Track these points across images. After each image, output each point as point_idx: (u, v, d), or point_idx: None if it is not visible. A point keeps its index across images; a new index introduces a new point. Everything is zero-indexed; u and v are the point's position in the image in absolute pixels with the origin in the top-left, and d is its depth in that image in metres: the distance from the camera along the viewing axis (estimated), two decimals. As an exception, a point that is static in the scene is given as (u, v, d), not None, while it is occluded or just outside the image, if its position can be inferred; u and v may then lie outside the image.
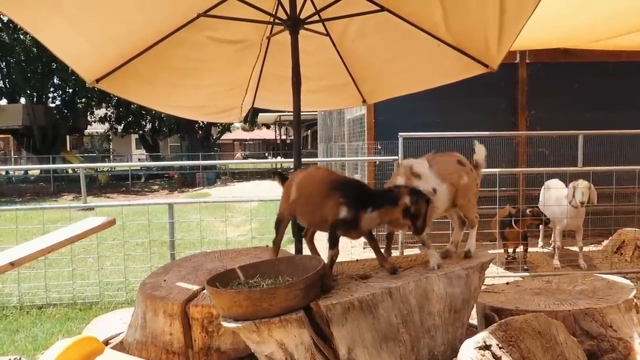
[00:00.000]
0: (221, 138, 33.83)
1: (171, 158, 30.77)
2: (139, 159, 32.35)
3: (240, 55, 3.74)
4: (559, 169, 5.63)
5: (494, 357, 1.72)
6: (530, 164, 7.28)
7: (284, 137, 32.93)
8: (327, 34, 3.68)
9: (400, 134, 5.31)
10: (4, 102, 25.06)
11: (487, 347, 1.75)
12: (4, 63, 24.30)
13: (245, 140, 47.77)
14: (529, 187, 7.09)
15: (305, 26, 3.17)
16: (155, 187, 22.11)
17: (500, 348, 1.77)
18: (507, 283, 3.29)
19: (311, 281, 1.96)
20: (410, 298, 2.08)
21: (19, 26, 22.11)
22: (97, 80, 3.40)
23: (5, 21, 22.08)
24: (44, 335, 4.29)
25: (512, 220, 5.25)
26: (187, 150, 25.92)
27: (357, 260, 2.85)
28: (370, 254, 2.47)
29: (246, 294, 1.95)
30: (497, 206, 5.34)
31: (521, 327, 1.90)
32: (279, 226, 2.48)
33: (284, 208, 2.45)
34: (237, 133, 44.13)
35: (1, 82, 25.19)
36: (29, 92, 23.93)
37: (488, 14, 2.87)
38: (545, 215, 5.28)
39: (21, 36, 23.29)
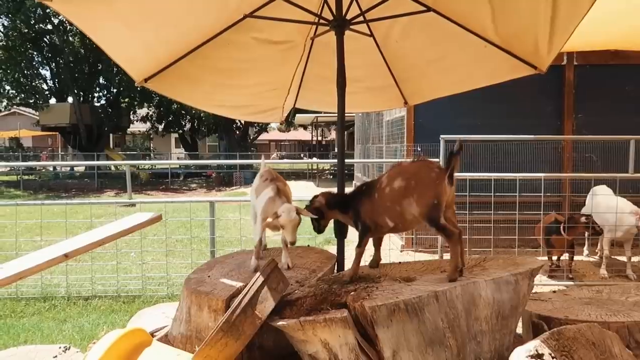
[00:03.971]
0: (258, 138, 34.23)
1: (209, 157, 31.37)
2: (178, 158, 33.13)
3: (284, 55, 3.76)
4: (610, 175, 5.41)
5: (546, 367, 1.67)
6: (576, 170, 7.04)
7: (319, 138, 33.02)
8: (371, 35, 3.67)
9: (442, 136, 5.24)
10: (53, 101, 26.14)
11: (539, 355, 1.69)
12: (53, 64, 25.35)
13: (281, 140, 48.20)
14: (574, 194, 6.86)
15: (350, 27, 3.17)
16: (194, 185, 22.59)
17: (552, 357, 1.71)
18: (554, 291, 3.19)
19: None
20: (457, 303, 2.04)
21: (68, 28, 23.08)
22: (146, 80, 3.48)
23: (56, 23, 23.06)
24: (90, 326, 4.45)
25: (561, 227, 5.08)
26: (225, 149, 26.37)
27: (400, 263, 2.83)
28: (410, 257, 2.46)
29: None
30: (541, 212, 5.19)
31: (574, 336, 1.83)
32: None
33: None
34: (274, 134, 44.58)
35: (51, 82, 26.28)
36: (76, 91, 24.88)
37: (539, 14, 2.79)
38: (598, 225, 5.09)
39: (70, 38, 24.26)
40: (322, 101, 4.39)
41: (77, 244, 2.69)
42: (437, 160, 5.27)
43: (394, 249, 6.96)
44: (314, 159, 18.41)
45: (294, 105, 4.33)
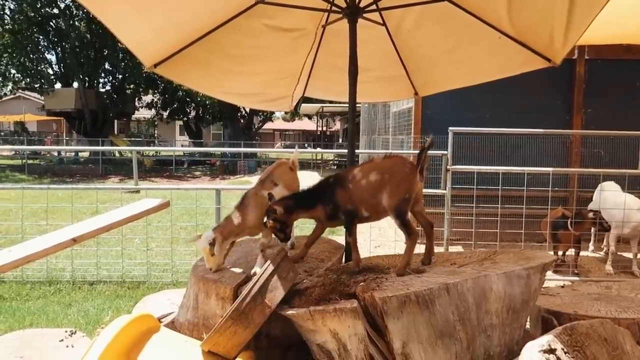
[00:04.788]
0: (262, 128, 34.17)
1: (213, 146, 31.34)
2: (182, 145, 33.13)
3: (295, 43, 3.73)
4: (618, 171, 5.37)
5: (558, 362, 1.65)
6: (584, 165, 6.99)
7: (324, 128, 32.94)
8: (384, 24, 3.62)
9: (450, 128, 5.19)
10: (58, 86, 26.11)
11: (552, 350, 1.68)
12: (59, 48, 25.28)
13: (286, 130, 48.09)
14: (581, 189, 6.82)
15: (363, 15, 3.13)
16: (198, 173, 22.60)
17: (565, 353, 1.69)
18: (563, 286, 3.17)
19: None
20: (468, 295, 2.03)
21: (75, 13, 22.96)
22: (155, 65, 3.46)
23: (62, 8, 22.97)
24: (95, 311, 4.46)
25: (568, 222, 5.05)
26: (229, 138, 26.34)
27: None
28: (415, 249, 2.48)
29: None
30: (548, 207, 5.16)
31: (587, 332, 1.82)
32: None
33: None
34: (278, 123, 44.50)
35: (56, 66, 26.24)
36: (81, 77, 24.84)
37: (556, 6, 2.74)
38: (606, 221, 5.05)
39: (76, 23, 24.18)
40: (331, 90, 4.35)
41: (86, 228, 2.68)
42: (445, 152, 5.25)
43: (398, 240, 6.96)
44: (318, 149, 18.35)
45: (304, 94, 4.29)
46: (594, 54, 7.04)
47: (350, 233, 2.56)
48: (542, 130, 6.19)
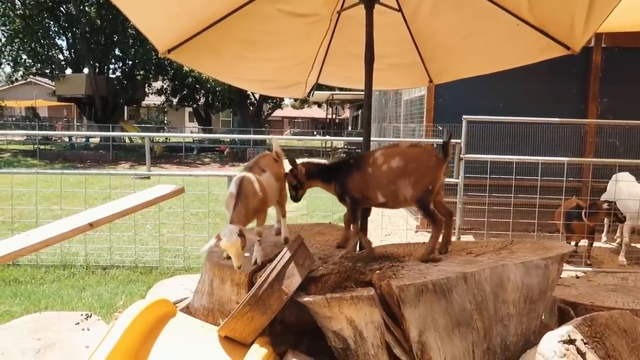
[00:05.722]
0: (271, 115, 34.13)
1: (223, 132, 31.35)
2: (191, 132, 33.18)
3: (309, 29, 3.68)
4: (634, 162, 5.29)
5: (578, 353, 1.64)
6: (598, 155, 6.90)
7: (333, 116, 32.82)
8: (400, 10, 3.57)
9: (464, 116, 5.14)
10: (69, 71, 26.17)
11: (571, 341, 1.67)
12: (70, 34, 25.30)
13: (295, 118, 47.98)
14: (595, 179, 6.75)
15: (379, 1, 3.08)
16: (207, 160, 22.67)
17: (585, 344, 1.68)
18: (578, 277, 3.15)
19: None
20: (485, 285, 2.02)
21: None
22: (169, 51, 3.44)
23: (72, -7, 22.94)
24: (109, 295, 4.51)
25: (583, 213, 5.00)
26: (239, 125, 26.34)
27: (424, 243, 2.80)
28: (425, 237, 2.49)
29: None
30: (562, 197, 5.11)
31: (606, 323, 1.80)
32: None
33: None
34: (287, 110, 44.35)
35: (67, 52, 26.27)
36: (92, 62, 24.88)
37: (578, -8, 2.68)
38: (621, 212, 5.00)
39: (86, 8, 24.15)
40: (345, 77, 4.31)
41: (102, 213, 2.69)
42: (458, 141, 5.21)
43: (409, 229, 6.95)
44: (327, 137, 18.29)
45: (317, 80, 4.26)
46: (611, 41, 6.91)
47: (354, 219, 2.62)
48: (557, 119, 6.11)
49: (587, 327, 1.75)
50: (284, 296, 1.98)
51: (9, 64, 24.60)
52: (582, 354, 1.66)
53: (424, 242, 2.86)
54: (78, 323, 3.16)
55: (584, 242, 5.38)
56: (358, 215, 2.63)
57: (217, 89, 24.60)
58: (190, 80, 26.24)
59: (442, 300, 1.96)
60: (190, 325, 2.19)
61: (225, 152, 23.59)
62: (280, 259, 2.04)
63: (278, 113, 39.24)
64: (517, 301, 2.08)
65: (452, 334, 1.96)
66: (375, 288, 2.06)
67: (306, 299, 2.01)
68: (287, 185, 2.77)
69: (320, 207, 8.07)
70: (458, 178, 5.26)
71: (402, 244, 2.89)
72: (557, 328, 1.83)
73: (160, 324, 2.07)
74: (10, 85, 30.38)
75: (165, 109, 32.25)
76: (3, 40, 23.87)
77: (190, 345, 2.04)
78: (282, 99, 30.17)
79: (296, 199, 2.76)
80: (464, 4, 3.32)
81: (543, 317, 2.84)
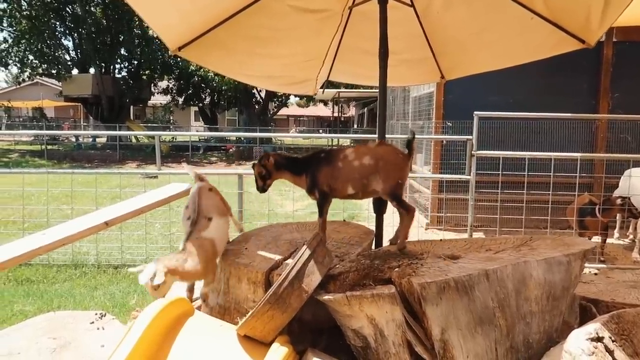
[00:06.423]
0: (277, 113, 34.10)
1: (228, 131, 31.38)
2: (197, 131, 33.22)
3: (321, 25, 3.65)
4: (648, 157, 5.23)
5: (606, 350, 1.61)
6: (609, 150, 6.84)
7: (338, 114, 32.76)
8: (412, 5, 3.53)
9: (475, 112, 5.09)
10: (75, 72, 26.25)
11: (599, 339, 1.64)
12: (76, 34, 25.37)
13: (300, 116, 47.95)
14: (607, 175, 6.68)
15: (394, -4, 3.05)
16: (214, 159, 22.69)
17: (613, 341, 1.65)
18: (596, 273, 3.11)
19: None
20: (508, 282, 1.99)
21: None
22: (179, 49, 3.42)
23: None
24: (121, 294, 4.51)
25: (596, 209, 4.95)
26: (244, 124, 26.33)
27: (441, 240, 2.77)
28: (435, 235, 2.45)
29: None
30: (576, 193, 5.06)
31: (634, 320, 1.77)
32: None
33: None
34: (293, 109, 44.35)
35: (73, 52, 26.35)
36: (98, 62, 24.95)
37: (594, -15, 2.64)
38: (635, 208, 4.94)
39: (92, 9, 24.21)
40: (356, 74, 4.28)
41: (117, 212, 2.69)
42: (470, 137, 5.17)
43: (420, 226, 6.91)
44: (332, 135, 18.24)
45: (328, 77, 4.23)
46: (622, 36, 6.84)
47: (321, 213, 2.71)
48: (568, 114, 6.06)
49: (614, 325, 1.72)
50: (304, 294, 1.96)
51: (15, 65, 24.68)
52: (610, 352, 1.62)
53: (440, 240, 2.84)
54: (93, 322, 3.16)
55: (595, 239, 5.32)
56: (325, 209, 2.73)
57: (222, 87, 24.57)
58: (196, 79, 26.25)
59: (464, 298, 1.93)
60: (209, 324, 2.17)
61: (231, 151, 23.61)
62: (300, 256, 2.01)
63: (284, 111, 39.22)
64: (540, 298, 2.05)
65: (474, 332, 1.94)
66: (395, 286, 2.04)
67: (326, 297, 1.99)
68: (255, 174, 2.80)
69: (331, 205, 8.04)
70: (470, 175, 5.21)
71: (418, 241, 2.86)
72: (582, 325, 1.79)
73: (178, 324, 2.05)
74: (17, 86, 30.55)
75: (171, 109, 32.32)
76: (10, 41, 23.96)
77: (209, 345, 2.03)
78: (287, 97, 30.13)
79: (262, 189, 2.80)
80: (477, -1, 3.28)
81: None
